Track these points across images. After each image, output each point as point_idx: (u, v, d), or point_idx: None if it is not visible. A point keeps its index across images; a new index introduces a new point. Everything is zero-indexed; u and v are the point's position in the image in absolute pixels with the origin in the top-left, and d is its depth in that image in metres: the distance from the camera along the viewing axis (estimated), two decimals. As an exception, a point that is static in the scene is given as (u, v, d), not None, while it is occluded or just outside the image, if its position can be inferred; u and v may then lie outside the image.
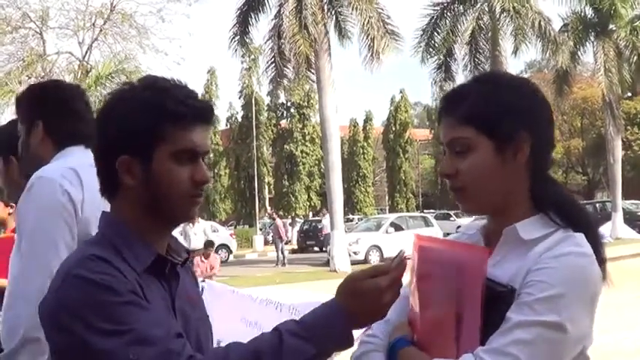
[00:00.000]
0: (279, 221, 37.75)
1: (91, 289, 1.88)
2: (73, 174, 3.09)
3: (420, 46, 34.53)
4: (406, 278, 2.20)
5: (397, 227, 35.57)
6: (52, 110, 3.34)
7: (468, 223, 2.42)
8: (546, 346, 1.88)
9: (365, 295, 1.94)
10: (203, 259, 19.62)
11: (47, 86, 3.72)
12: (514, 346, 1.86)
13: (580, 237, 2.03)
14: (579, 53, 38.43)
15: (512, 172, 2.09)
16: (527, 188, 2.13)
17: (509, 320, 1.91)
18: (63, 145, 3.29)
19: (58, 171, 3.11)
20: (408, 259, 2.07)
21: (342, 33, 30.09)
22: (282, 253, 35.40)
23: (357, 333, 2.02)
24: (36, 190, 3.06)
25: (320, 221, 44.49)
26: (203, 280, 10.75)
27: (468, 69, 34.02)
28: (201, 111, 2.11)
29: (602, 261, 2.06)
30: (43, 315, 1.97)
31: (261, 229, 53.46)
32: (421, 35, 34.60)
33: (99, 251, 1.98)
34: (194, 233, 22.34)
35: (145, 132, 2.03)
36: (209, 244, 20.75)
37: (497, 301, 1.95)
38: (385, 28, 29.27)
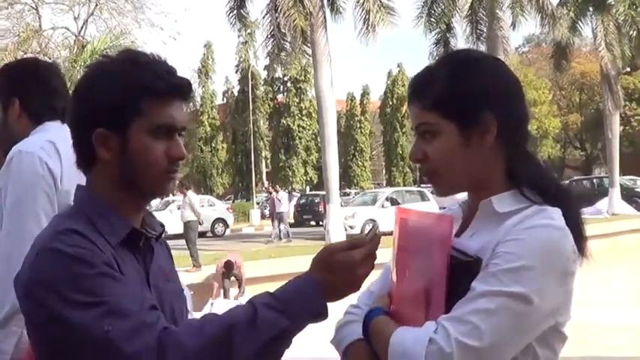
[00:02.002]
0: (275, 195, 37.73)
1: (64, 262, 1.88)
2: (51, 146, 3.12)
3: (422, 16, 34.42)
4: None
5: (393, 201, 35.53)
6: (28, 86, 3.38)
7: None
8: (510, 317, 1.86)
9: (338, 268, 1.93)
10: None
11: (22, 63, 3.82)
12: (475, 315, 1.85)
13: (553, 210, 2.01)
14: (579, 26, 38.28)
15: (480, 153, 2.09)
16: (502, 166, 2.13)
17: (473, 289, 1.90)
18: (39, 121, 3.34)
19: (37, 144, 3.13)
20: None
21: (333, 8, 29.81)
22: (279, 227, 35.41)
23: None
24: (15, 163, 3.09)
25: (317, 196, 44.60)
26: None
27: (471, 41, 33.84)
28: (179, 86, 2.10)
29: (582, 238, 2.05)
30: (18, 289, 1.96)
31: (257, 204, 53.52)
32: (422, 7, 34.49)
33: (73, 224, 1.97)
34: (177, 207, 21.96)
35: (122, 106, 2.02)
36: (229, 266, 17.46)
37: (463, 271, 1.96)
38: (380, 1, 29.09)
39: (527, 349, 1.95)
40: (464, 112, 2.08)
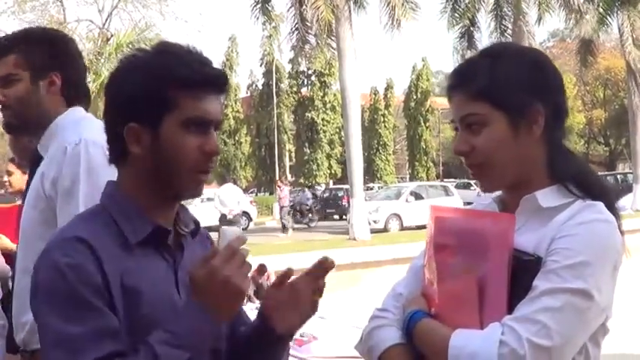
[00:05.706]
0: (285, 188, 37.50)
1: (53, 275, 1.86)
2: None
3: (446, 11, 34.32)
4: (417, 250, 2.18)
5: (417, 196, 35.42)
6: (72, 63, 3.18)
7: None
8: (574, 313, 1.86)
9: (205, 281, 1.84)
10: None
11: (63, 36, 3.40)
12: (542, 314, 1.84)
13: (601, 205, 2.01)
14: (607, 22, 37.96)
15: (528, 144, 2.06)
16: (544, 160, 2.10)
17: (536, 288, 1.88)
18: (71, 104, 3.15)
19: (97, 133, 2.81)
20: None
21: (357, 2, 29.64)
22: (284, 220, 35.30)
23: None
24: (82, 152, 2.92)
25: (341, 190, 44.49)
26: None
27: (494, 37, 33.71)
28: (213, 78, 2.02)
29: (620, 233, 2.03)
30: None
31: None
32: (446, 1, 34.36)
33: (87, 229, 1.94)
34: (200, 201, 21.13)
35: (154, 98, 1.95)
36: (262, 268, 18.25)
37: (523, 271, 1.93)
38: (406, -4, 28.95)
39: (581, 348, 1.95)
40: (513, 100, 2.04)
